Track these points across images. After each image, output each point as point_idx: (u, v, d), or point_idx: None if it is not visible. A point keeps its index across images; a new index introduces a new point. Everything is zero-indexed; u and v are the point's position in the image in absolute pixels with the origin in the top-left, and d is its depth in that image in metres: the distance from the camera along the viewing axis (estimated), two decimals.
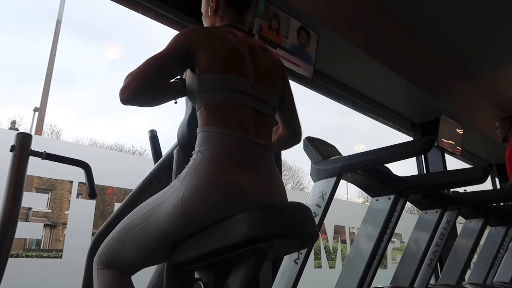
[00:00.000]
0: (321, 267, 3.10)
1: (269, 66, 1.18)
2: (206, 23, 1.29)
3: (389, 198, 1.84)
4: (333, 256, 3.27)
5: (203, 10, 1.31)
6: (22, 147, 1.28)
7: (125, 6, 2.26)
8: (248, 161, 1.02)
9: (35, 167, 1.48)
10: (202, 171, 0.97)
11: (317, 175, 1.75)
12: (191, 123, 1.19)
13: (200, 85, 1.07)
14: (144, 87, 1.01)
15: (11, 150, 1.28)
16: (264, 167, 1.05)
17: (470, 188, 2.35)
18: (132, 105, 1.03)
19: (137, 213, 1.06)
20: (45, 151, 1.34)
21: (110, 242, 1.07)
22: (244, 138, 1.03)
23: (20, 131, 1.30)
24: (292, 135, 1.33)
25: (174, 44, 1.07)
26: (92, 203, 1.94)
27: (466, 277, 2.92)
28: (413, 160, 4.51)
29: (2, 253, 1.19)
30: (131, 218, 1.06)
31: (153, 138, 1.45)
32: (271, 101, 1.15)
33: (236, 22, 1.20)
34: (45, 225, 1.88)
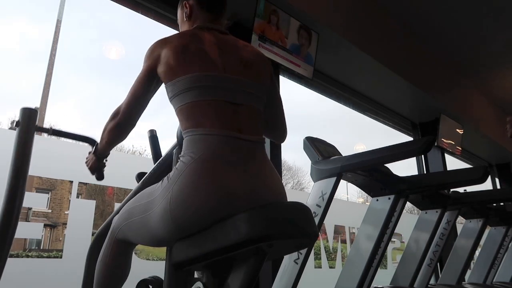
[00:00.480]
0: (321, 267, 3.10)
1: (248, 58, 1.15)
2: (182, 29, 1.30)
3: (389, 198, 1.84)
4: (333, 256, 3.27)
5: (179, 18, 1.32)
6: (28, 122, 1.21)
7: (125, 6, 2.27)
8: (234, 159, 0.99)
9: (35, 167, 1.48)
10: (187, 172, 0.97)
11: (317, 175, 1.75)
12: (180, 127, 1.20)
13: (169, 93, 1.09)
14: (128, 119, 1.14)
15: (16, 125, 1.21)
16: (253, 164, 1.02)
17: (470, 188, 2.35)
18: (120, 137, 1.16)
19: (139, 201, 1.09)
20: (51, 127, 1.28)
21: (121, 219, 1.14)
22: (226, 136, 1.01)
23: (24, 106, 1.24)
24: (276, 137, 1.31)
25: (145, 67, 1.14)
26: (92, 203, 1.94)
27: (466, 277, 2.92)
28: (413, 160, 4.51)
29: (9, 224, 1.15)
30: (135, 203, 1.10)
31: (153, 138, 1.45)
32: (254, 89, 1.12)
33: (209, 23, 1.21)
34: (45, 225, 1.88)
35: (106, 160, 1.34)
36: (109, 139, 1.17)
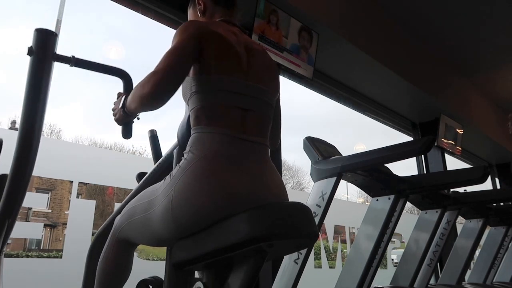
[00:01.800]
0: (321, 267, 3.10)
1: (265, 65, 1.17)
2: None
3: (389, 198, 1.84)
4: (333, 256, 3.27)
5: (191, 16, 1.30)
6: (44, 48, 0.99)
7: (125, 6, 2.26)
8: (239, 159, 1.00)
9: (35, 167, 1.47)
10: (191, 170, 0.97)
11: (317, 175, 1.75)
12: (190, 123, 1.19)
13: (195, 87, 1.05)
14: (168, 79, 0.97)
15: (29, 53, 0.99)
16: (257, 165, 1.03)
17: (470, 188, 2.36)
18: (154, 102, 0.98)
19: (140, 200, 1.09)
20: (73, 56, 1.06)
21: (122, 218, 1.14)
22: (234, 137, 1.02)
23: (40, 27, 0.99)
24: (271, 142, 1.28)
25: (187, 36, 1.03)
26: (92, 203, 1.95)
27: (466, 277, 2.92)
28: (412, 160, 4.51)
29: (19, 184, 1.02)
30: (136, 202, 1.10)
31: (153, 138, 1.45)
32: (267, 97, 1.13)
33: (229, 18, 1.21)
34: (45, 225, 1.88)
35: (138, 118, 1.16)
36: (142, 105, 1.01)
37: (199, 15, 1.25)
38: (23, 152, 1.04)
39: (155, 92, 0.96)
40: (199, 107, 1.05)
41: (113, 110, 1.17)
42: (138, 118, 1.14)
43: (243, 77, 1.08)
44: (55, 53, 1.01)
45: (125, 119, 1.13)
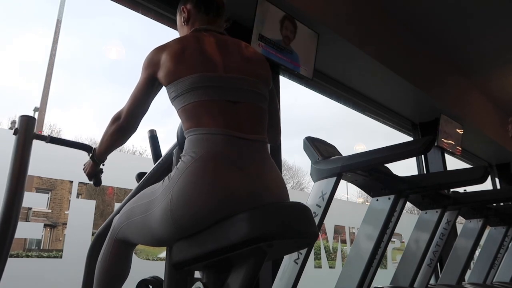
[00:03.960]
0: (321, 267, 3.10)
1: (249, 57, 1.16)
2: (181, 34, 1.31)
3: (389, 198, 1.84)
4: (333, 256, 3.27)
5: (178, 23, 1.33)
6: (26, 130, 1.26)
7: (125, 6, 2.26)
8: (235, 159, 0.99)
9: (35, 167, 1.48)
10: (188, 171, 0.97)
11: (317, 175, 1.75)
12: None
13: (171, 94, 1.10)
14: (129, 122, 1.16)
15: (14, 133, 1.26)
16: (255, 163, 1.02)
17: (470, 188, 2.36)
18: (121, 137, 1.18)
19: (139, 201, 1.09)
20: (49, 135, 1.35)
21: (121, 218, 1.15)
22: (227, 135, 1.01)
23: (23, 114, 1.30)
24: (270, 138, 1.27)
25: (144, 73, 1.15)
26: (92, 203, 1.95)
27: (466, 277, 2.92)
28: (412, 160, 4.51)
29: (7, 228, 1.19)
30: (135, 203, 1.11)
31: (153, 138, 1.45)
32: (256, 87, 1.12)
33: (207, 25, 1.22)
34: (45, 225, 1.88)
35: (104, 165, 1.37)
36: (110, 142, 1.20)
37: (183, 23, 1.28)
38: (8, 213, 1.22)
39: (121, 131, 1.17)
40: (182, 109, 1.07)
41: (83, 169, 1.38)
42: (104, 165, 1.36)
43: (218, 71, 1.08)
44: (35, 133, 1.30)
45: (95, 169, 1.35)
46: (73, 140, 1.44)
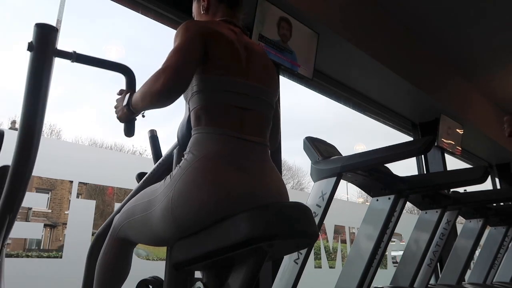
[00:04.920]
0: (321, 267, 3.10)
1: (265, 65, 1.17)
2: None
3: (389, 198, 1.84)
4: (333, 256, 3.27)
5: (194, 11, 1.30)
6: (45, 43, 0.96)
7: (125, 6, 2.26)
8: (238, 159, 1.00)
9: (35, 167, 1.47)
10: (190, 170, 0.97)
11: (317, 175, 1.75)
12: (190, 123, 1.19)
13: (197, 86, 1.05)
14: (179, 76, 0.95)
15: (29, 49, 0.97)
16: (256, 165, 1.03)
17: (470, 188, 2.35)
18: (164, 99, 0.96)
19: (140, 199, 1.09)
20: (74, 51, 1.03)
21: (122, 217, 1.13)
22: (235, 137, 1.02)
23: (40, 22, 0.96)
24: (270, 142, 1.25)
25: (191, 34, 1.01)
26: (92, 203, 1.95)
27: (466, 277, 2.92)
28: (412, 160, 4.51)
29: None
30: (136, 202, 1.10)
31: (153, 138, 1.45)
32: (267, 97, 1.13)
33: (231, 18, 1.20)
34: (45, 225, 1.88)
35: (144, 116, 1.12)
36: (152, 102, 0.99)
37: (202, 11, 1.24)
38: (24, 147, 1.03)
39: (166, 89, 0.94)
40: (200, 107, 1.04)
41: (115, 107, 1.15)
42: (144, 116, 1.10)
43: (243, 77, 1.08)
44: (56, 48, 0.99)
45: (128, 117, 1.11)
46: (106, 59, 1.14)
